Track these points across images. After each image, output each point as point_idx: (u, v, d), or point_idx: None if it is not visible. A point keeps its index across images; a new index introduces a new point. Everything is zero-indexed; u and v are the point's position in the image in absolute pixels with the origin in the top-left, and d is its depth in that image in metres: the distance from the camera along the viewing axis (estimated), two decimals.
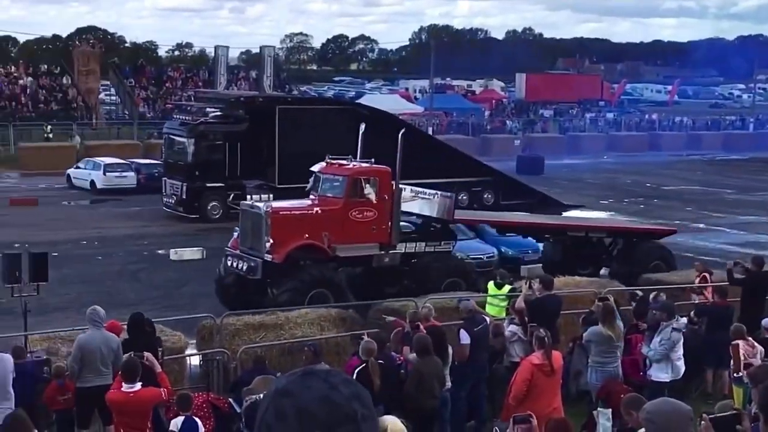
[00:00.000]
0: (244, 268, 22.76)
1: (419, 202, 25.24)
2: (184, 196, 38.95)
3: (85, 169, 47.62)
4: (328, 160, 24.04)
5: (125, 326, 15.11)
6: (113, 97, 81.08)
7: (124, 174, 46.51)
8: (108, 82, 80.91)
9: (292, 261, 22.26)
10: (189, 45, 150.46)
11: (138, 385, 11.92)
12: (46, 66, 76.78)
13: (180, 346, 17.56)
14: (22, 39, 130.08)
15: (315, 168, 24.09)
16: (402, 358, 14.66)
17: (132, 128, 66.75)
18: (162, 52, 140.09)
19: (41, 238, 31.03)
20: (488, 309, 19.10)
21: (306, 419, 2.62)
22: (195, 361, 18.27)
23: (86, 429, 14.32)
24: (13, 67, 75.48)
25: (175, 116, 43.98)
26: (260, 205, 22.92)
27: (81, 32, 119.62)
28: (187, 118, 40.83)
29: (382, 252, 23.49)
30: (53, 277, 18.84)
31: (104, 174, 46.12)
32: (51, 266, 17.87)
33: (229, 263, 23.32)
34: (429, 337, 14.17)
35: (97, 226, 37.02)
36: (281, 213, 22.69)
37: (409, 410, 13.45)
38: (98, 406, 13.28)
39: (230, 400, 14.50)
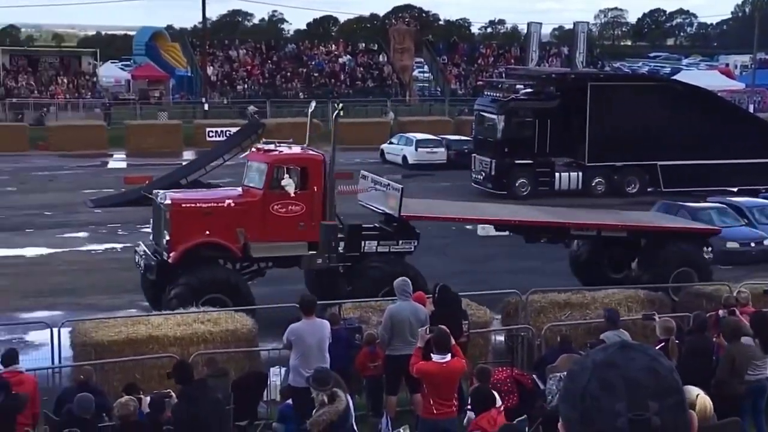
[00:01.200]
0: (143, 265, 20.62)
1: (376, 194, 22.35)
2: (492, 173, 39.30)
3: (398, 144, 49.06)
4: (258, 145, 21.51)
5: (430, 298, 15.47)
6: (426, 74, 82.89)
7: (435, 150, 47.51)
8: (422, 60, 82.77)
9: (193, 261, 19.61)
10: (501, 22, 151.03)
11: (449, 356, 12.17)
12: (363, 44, 79.62)
13: (485, 321, 17.75)
14: (342, 18, 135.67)
15: (244, 154, 21.66)
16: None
17: (443, 105, 68.07)
18: (475, 29, 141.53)
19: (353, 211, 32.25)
20: None
21: (636, 389, 2.60)
22: (500, 336, 18.42)
23: (394, 395, 14.80)
24: (333, 46, 78.82)
25: (486, 93, 44.38)
26: (164, 195, 20.53)
27: (397, 11, 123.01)
28: (497, 94, 41.11)
29: (313, 252, 20.21)
30: None
31: (416, 149, 47.32)
32: None
33: (136, 259, 21.17)
34: (740, 321, 13.55)
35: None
36: (183, 206, 20.14)
37: (719, 395, 12.90)
38: (406, 374, 13.65)
39: (534, 376, 14.49)
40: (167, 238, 19.84)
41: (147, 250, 20.75)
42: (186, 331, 16.58)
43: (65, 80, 65.38)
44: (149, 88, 73.47)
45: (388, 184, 22.03)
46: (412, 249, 21.25)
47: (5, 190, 40.44)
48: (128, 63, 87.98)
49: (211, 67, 70.32)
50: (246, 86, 70.04)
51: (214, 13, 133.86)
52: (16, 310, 21.97)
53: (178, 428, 10.89)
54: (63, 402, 12.21)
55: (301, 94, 68.58)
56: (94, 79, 67.80)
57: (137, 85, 74.75)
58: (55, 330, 16.61)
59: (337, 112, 21.81)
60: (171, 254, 19.64)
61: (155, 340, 16.33)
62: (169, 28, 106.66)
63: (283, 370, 15.32)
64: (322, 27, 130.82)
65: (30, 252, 28.80)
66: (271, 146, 20.98)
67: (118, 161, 51.24)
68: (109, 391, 14.03)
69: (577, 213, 24.80)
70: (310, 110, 23.38)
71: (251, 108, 43.79)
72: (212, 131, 54.15)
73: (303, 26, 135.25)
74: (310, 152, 21.01)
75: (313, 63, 73.70)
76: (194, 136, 54.70)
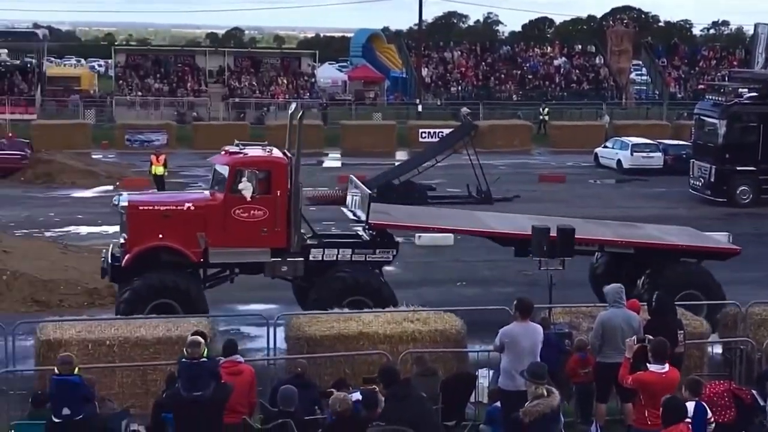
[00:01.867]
0: (102, 266, 20.18)
1: (351, 198, 21.60)
2: (712, 179, 37.93)
3: (613, 148, 48.06)
4: (226, 148, 20.58)
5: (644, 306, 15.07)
6: (644, 77, 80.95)
7: (652, 154, 46.27)
8: (639, 62, 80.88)
9: (155, 265, 19.21)
10: (725, 23, 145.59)
11: (667, 366, 11.81)
12: (579, 46, 78.49)
13: (701, 332, 17.12)
14: (558, 20, 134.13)
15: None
16: None
17: (661, 108, 66.29)
18: (696, 30, 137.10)
19: (568, 214, 31.79)
20: None
21: None
22: (717, 348, 17.74)
23: (604, 403, 14.48)
24: (548, 48, 78.07)
25: (707, 97, 42.98)
26: (122, 197, 20.15)
27: (616, 12, 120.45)
28: (720, 98, 39.70)
29: (277, 259, 19.68)
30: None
31: (631, 154, 46.25)
32: None
33: (101, 259, 20.61)
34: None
35: (621, 205, 37.20)
36: (140, 208, 19.69)
37: None
38: (617, 383, 13.32)
39: (753, 392, 13.86)
40: (122, 240, 19.72)
41: (112, 253, 20.18)
42: (395, 330, 16.74)
43: (285, 81, 67.45)
44: (365, 89, 74.89)
45: (359, 191, 21.28)
46: (391, 258, 20.66)
47: None
48: (345, 64, 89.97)
49: (426, 69, 70.97)
50: (460, 88, 70.33)
51: (429, 14, 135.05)
52: (235, 303, 22.77)
53: (387, 427, 10.97)
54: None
55: (514, 96, 68.33)
56: (313, 80, 69.62)
57: (353, 86, 76.32)
58: (271, 323, 17.13)
59: (295, 112, 21.54)
60: (125, 257, 19.35)
61: (365, 336, 16.56)
62: (386, 30, 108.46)
63: (491, 372, 15.25)
64: (538, 28, 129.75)
65: None
66: (236, 149, 20.27)
67: (333, 160, 52.41)
68: (320, 385, 14.31)
69: (586, 226, 22.38)
70: (290, 111, 22.49)
71: (464, 110, 44.00)
72: (425, 132, 54.64)
73: (518, 28, 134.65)
74: (275, 156, 20.19)
75: (528, 65, 73.24)
76: (407, 136, 55.33)
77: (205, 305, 19.17)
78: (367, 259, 20.22)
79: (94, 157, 48.74)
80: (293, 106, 23.36)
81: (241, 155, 19.96)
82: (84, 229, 32.08)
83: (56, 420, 11.08)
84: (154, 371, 15.69)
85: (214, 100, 63.56)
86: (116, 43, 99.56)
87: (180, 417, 11.34)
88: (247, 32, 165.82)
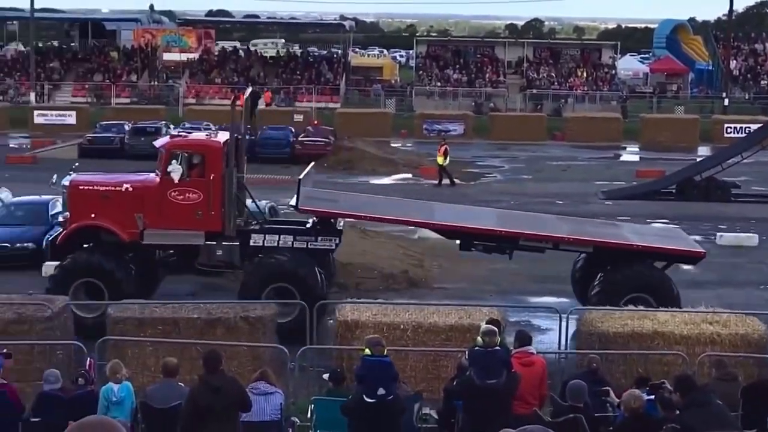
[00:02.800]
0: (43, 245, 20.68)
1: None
2: None
3: None
4: (171, 131, 20.26)
5: None
6: None
7: None
8: None
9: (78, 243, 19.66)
10: None
11: None
12: None
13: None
14: None
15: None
16: None
17: None
18: None
19: None
20: None
21: None
22: None
23: None
24: None
25: None
26: (67, 177, 20.40)
27: None
28: None
29: (212, 243, 19.40)
30: None
31: None
32: None
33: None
34: None
35: None
36: (80, 188, 19.92)
37: None
38: None
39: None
40: (61, 219, 20.40)
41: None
42: (693, 331, 16.13)
43: (584, 72, 66.56)
44: (667, 81, 72.69)
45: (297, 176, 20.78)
46: (333, 246, 20.14)
47: (520, 177, 42.06)
48: (647, 56, 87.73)
49: (734, 61, 67.92)
50: None
51: (740, 4, 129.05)
52: (525, 294, 22.69)
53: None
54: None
55: None
56: (613, 71, 68.31)
57: (655, 78, 74.29)
58: (563, 317, 16.92)
59: (248, 98, 21.85)
60: (60, 235, 19.96)
61: (661, 336, 16.07)
62: (692, 20, 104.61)
63: None
64: None
65: None
66: (182, 132, 20.73)
67: (631, 154, 51.27)
68: (614, 383, 13.97)
69: (542, 222, 21.80)
70: (245, 96, 22.32)
71: None
72: (731, 127, 52.31)
73: None
74: (209, 140, 20.28)
75: None
76: (711, 131, 53.22)
77: (131, 288, 19.03)
78: (309, 246, 19.79)
79: (393, 145, 50.07)
80: (248, 90, 23.87)
81: (179, 138, 20.53)
82: None
83: (369, 400, 11.33)
84: (445, 357, 15.88)
85: (511, 91, 63.73)
86: (417, 34, 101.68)
87: (471, 404, 11.39)
88: (546, 23, 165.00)
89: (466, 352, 12.58)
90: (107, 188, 19.96)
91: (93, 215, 19.61)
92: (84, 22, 79.75)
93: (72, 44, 76.11)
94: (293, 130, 47.04)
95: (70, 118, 53.81)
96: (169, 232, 19.54)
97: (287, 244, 19.72)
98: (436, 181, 38.82)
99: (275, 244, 19.71)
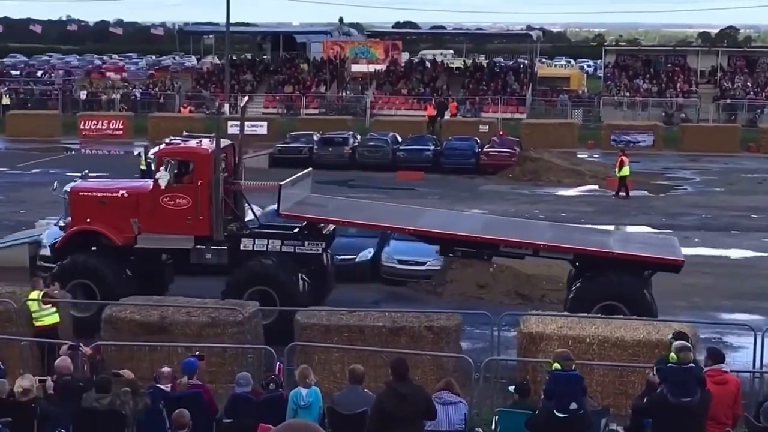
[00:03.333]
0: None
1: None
2: None
3: None
4: (166, 140, 20.84)
5: None
6: None
7: None
8: None
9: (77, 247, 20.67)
10: None
11: None
12: None
13: None
14: None
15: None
16: None
17: None
18: None
19: None
20: None
21: None
22: None
23: None
24: None
25: None
26: (70, 184, 21.72)
27: None
28: None
29: (201, 247, 20.26)
30: None
31: None
32: None
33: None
34: None
35: None
36: (80, 194, 21.20)
37: None
38: None
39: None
40: (62, 223, 21.75)
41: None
42: None
43: None
44: None
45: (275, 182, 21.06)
46: (319, 251, 20.55)
47: (712, 189, 40.77)
48: None
49: None
50: None
51: None
52: (718, 310, 21.98)
53: None
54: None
55: None
56: None
57: None
58: (758, 334, 16.28)
59: (243, 104, 23.94)
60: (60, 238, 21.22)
61: None
62: None
63: None
64: None
65: (735, 253, 28.62)
66: (177, 140, 21.38)
67: None
68: None
69: (525, 228, 22.41)
70: (242, 104, 23.01)
71: None
72: None
73: None
74: (198, 147, 21.13)
75: None
76: None
77: (123, 289, 19.50)
78: (296, 250, 20.35)
79: (579, 156, 49.39)
80: (245, 99, 25.56)
81: (171, 146, 21.45)
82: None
83: (560, 415, 11.19)
84: (632, 373, 15.53)
85: (703, 101, 61.79)
86: (606, 44, 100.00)
87: (663, 422, 11.08)
88: (742, 31, 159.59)
89: (654, 368, 12.27)
90: (105, 194, 21.07)
91: (89, 220, 20.72)
92: (276, 35, 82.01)
93: (264, 56, 78.43)
94: (478, 140, 47.03)
95: (262, 128, 55.32)
96: (161, 236, 20.49)
97: (275, 248, 20.44)
98: (623, 193, 38.09)
99: (264, 248, 20.48)
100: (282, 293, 19.57)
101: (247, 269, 19.99)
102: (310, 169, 23.99)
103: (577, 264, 20.30)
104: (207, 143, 21.34)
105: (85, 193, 21.24)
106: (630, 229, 29.54)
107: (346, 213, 21.92)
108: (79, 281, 20.18)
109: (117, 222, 20.54)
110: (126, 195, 20.82)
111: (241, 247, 20.46)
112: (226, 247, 20.44)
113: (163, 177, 20.35)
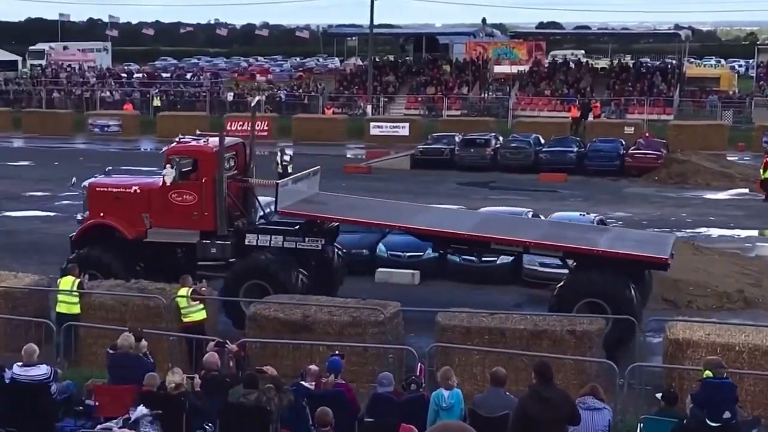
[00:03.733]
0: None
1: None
2: None
3: None
4: (179, 138, 22.26)
5: None
6: None
7: None
8: None
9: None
10: None
11: None
12: None
13: None
14: None
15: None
16: None
17: None
18: None
19: None
20: None
21: None
22: None
23: None
24: None
25: None
26: (89, 180, 22.38)
27: None
28: None
29: (206, 241, 21.00)
30: None
31: None
32: None
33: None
34: None
35: None
36: (96, 189, 22.00)
37: None
38: None
39: None
40: (79, 217, 22.38)
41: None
42: None
43: None
44: None
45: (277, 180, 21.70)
46: (319, 247, 20.93)
47: None
48: None
49: None
50: None
51: None
52: None
53: None
54: None
55: None
56: None
57: None
58: None
59: (254, 103, 24.79)
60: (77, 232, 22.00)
61: None
62: None
63: None
64: None
65: None
66: (184, 138, 22.01)
67: None
68: None
69: (520, 224, 22.91)
70: (252, 103, 23.47)
71: None
72: None
73: None
74: (203, 145, 21.48)
75: None
76: None
77: (123, 276, 20.05)
78: (297, 246, 20.88)
79: (729, 158, 48.00)
80: (255, 99, 26.46)
81: (180, 144, 21.88)
82: (715, 231, 31.78)
83: (713, 424, 10.94)
84: None
85: None
86: (759, 42, 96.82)
87: None
88: None
89: None
90: (119, 190, 21.92)
91: (102, 214, 21.64)
92: (419, 36, 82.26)
93: (407, 58, 78.79)
94: (623, 142, 46.19)
95: (404, 129, 55.61)
96: (169, 230, 21.25)
97: (277, 243, 21.03)
98: (763, 196, 36.94)
99: (267, 244, 21.05)
100: (276, 287, 20.03)
101: (245, 263, 20.78)
102: (318, 167, 23.96)
103: (566, 261, 20.45)
104: (213, 142, 21.72)
105: (101, 189, 22.11)
106: None
107: (344, 211, 22.49)
108: (89, 272, 20.45)
109: (129, 216, 21.48)
110: (138, 191, 21.72)
111: (246, 242, 21.18)
112: (230, 242, 21.15)
113: (169, 174, 21.16)
